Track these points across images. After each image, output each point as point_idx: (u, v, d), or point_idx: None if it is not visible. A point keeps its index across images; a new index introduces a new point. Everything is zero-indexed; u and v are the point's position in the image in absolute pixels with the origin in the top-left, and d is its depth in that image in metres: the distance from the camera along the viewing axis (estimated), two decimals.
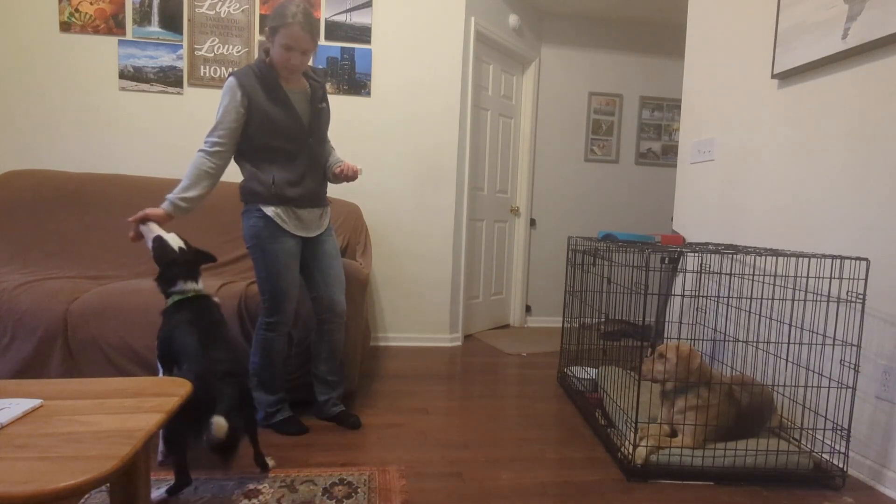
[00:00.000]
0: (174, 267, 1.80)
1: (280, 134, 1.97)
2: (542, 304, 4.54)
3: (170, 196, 1.88)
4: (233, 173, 3.27)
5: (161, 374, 1.77)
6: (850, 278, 1.96)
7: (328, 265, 2.13)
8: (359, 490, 1.67)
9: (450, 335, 3.63)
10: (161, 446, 1.75)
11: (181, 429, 1.49)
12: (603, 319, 2.67)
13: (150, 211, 1.84)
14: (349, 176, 2.09)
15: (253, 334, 2.16)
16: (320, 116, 2.10)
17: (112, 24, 3.17)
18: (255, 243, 2.01)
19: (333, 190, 3.30)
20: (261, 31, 3.27)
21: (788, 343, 2.08)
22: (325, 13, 3.33)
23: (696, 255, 2.59)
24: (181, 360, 1.65)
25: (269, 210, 1.99)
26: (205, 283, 2.43)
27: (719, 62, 2.77)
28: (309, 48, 1.92)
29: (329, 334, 2.14)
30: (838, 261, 1.98)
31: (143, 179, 3.03)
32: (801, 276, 2.15)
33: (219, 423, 1.38)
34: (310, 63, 2.38)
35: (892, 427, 1.83)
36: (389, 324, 3.57)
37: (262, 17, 3.26)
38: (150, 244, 1.83)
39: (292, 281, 2.05)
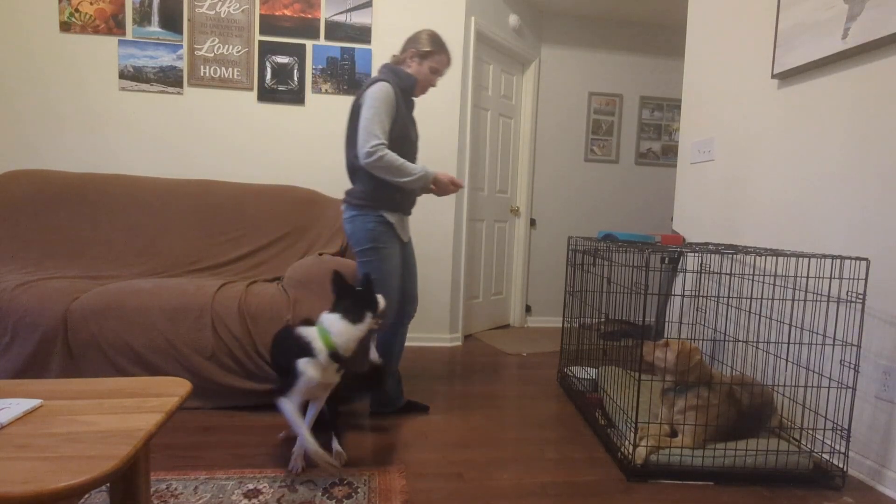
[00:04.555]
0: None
1: (409, 142, 2.16)
2: (542, 304, 4.54)
3: (426, 169, 2.09)
4: (232, 173, 3.29)
5: None
6: (849, 278, 1.96)
7: (413, 265, 2.36)
8: (359, 490, 1.67)
9: (450, 335, 3.63)
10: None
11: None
12: (603, 319, 2.67)
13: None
14: (452, 190, 2.23)
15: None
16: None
17: (112, 24, 3.17)
18: (372, 246, 2.11)
19: (332, 190, 3.30)
20: (259, 32, 3.27)
21: (788, 343, 2.09)
22: (325, 13, 3.33)
23: (696, 255, 2.59)
24: None
25: (392, 217, 2.14)
26: (204, 283, 2.44)
27: (719, 62, 2.77)
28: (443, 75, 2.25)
29: (404, 328, 2.34)
30: (838, 261, 1.98)
31: (143, 179, 3.02)
32: (801, 276, 2.15)
33: None
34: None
35: (892, 427, 1.83)
36: None
37: (262, 17, 3.27)
38: None
39: (399, 282, 2.20)
